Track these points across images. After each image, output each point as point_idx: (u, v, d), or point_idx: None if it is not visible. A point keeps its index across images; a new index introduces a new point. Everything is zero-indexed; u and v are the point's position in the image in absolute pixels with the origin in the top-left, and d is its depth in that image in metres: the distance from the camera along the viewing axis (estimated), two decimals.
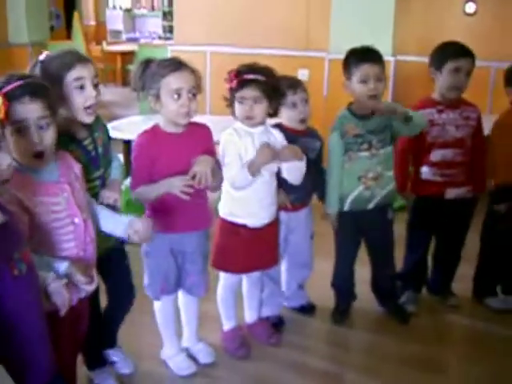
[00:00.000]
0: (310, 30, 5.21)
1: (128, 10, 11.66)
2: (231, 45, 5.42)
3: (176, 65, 2.22)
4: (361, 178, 2.72)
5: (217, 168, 2.31)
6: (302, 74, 5.00)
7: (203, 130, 2.38)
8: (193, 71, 2.24)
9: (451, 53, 2.81)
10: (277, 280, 2.88)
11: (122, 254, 2.39)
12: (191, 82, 2.21)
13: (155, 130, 2.31)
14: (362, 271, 2.99)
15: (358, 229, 2.85)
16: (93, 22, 11.27)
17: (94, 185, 2.14)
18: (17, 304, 1.52)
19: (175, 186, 2.20)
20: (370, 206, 2.77)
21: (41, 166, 1.79)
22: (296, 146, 2.44)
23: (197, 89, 2.24)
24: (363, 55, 2.68)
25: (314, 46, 5.18)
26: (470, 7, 4.87)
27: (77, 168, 1.93)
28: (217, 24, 5.54)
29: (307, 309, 3.02)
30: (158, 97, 2.22)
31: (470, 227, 3.04)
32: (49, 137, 1.76)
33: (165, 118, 2.29)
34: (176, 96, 2.19)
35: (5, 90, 1.69)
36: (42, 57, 2.05)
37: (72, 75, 2.00)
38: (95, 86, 2.06)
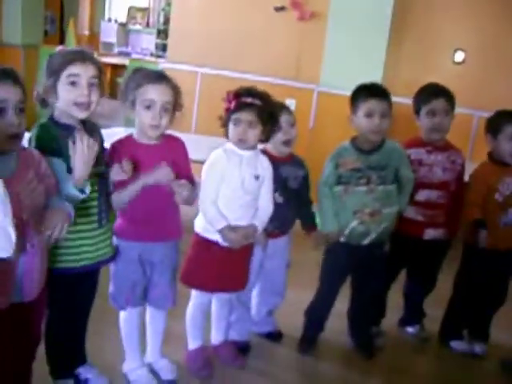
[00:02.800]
0: (301, 62, 5.27)
1: (123, 24, 11.68)
2: (222, 68, 5.46)
3: (156, 77, 2.23)
4: (356, 212, 2.69)
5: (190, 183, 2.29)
6: (290, 104, 5.02)
7: (176, 143, 2.39)
8: (173, 87, 2.25)
9: (424, 96, 2.88)
10: (247, 305, 2.86)
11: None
12: (167, 97, 2.22)
13: (128, 139, 2.33)
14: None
15: (350, 262, 2.82)
16: (86, 32, 11.26)
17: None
18: None
19: (160, 176, 2.20)
20: (365, 241, 2.74)
21: (11, 149, 1.78)
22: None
23: (174, 105, 2.25)
24: (372, 90, 2.69)
25: (303, 77, 5.23)
26: (459, 56, 4.99)
27: (43, 166, 1.89)
28: (210, 46, 5.58)
29: (275, 336, 3.00)
30: (133, 105, 2.23)
31: (439, 269, 3.07)
32: (24, 121, 1.80)
33: (138, 128, 2.30)
34: (147, 107, 2.20)
35: None
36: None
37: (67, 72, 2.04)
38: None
